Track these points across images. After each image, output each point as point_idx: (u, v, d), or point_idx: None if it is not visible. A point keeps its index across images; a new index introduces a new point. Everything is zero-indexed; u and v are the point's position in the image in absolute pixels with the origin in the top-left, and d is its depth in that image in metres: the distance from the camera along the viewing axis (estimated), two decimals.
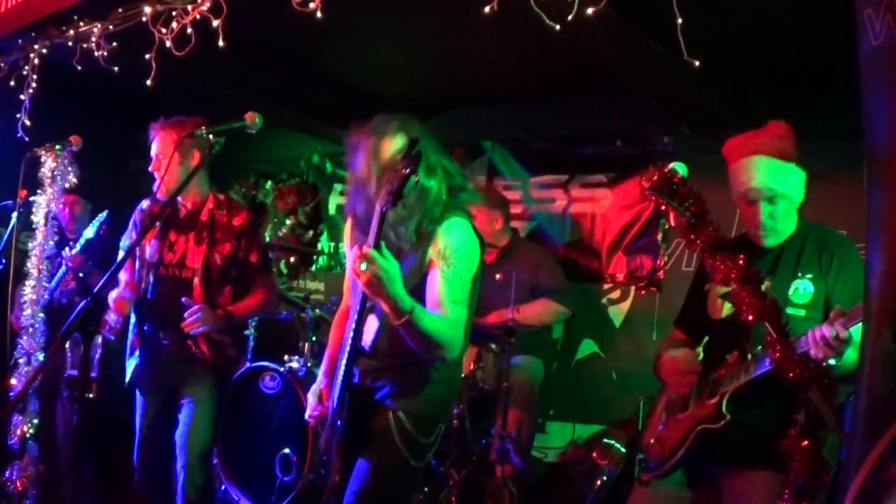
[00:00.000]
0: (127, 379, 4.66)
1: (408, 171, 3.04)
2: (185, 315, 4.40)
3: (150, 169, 4.64)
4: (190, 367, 4.64)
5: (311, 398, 3.69)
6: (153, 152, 4.62)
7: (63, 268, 5.48)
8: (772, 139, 3.59)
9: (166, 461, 4.64)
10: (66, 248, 5.33)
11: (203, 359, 4.63)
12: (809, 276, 3.45)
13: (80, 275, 5.55)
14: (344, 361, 3.31)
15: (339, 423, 3.39)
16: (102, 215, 5.57)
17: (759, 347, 3.39)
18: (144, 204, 4.80)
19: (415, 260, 3.35)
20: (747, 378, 3.37)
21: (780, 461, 3.33)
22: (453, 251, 3.32)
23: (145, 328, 4.66)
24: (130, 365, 4.67)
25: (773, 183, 3.43)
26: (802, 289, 3.40)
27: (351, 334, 3.29)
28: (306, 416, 3.71)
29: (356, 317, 3.29)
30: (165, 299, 4.60)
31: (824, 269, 3.49)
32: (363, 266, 2.99)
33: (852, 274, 3.51)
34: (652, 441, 3.80)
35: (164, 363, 4.65)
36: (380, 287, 3.02)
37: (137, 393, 4.71)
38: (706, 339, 3.79)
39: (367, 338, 3.44)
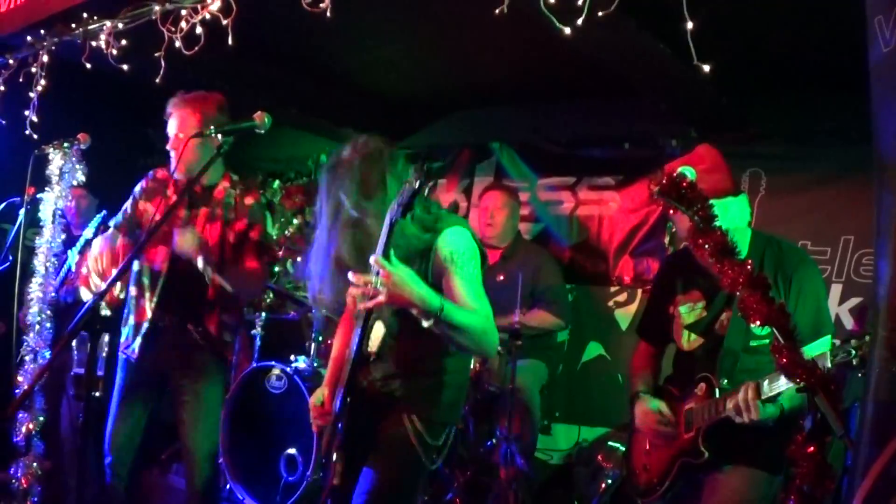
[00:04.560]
0: (136, 352, 4.61)
1: (418, 184, 3.07)
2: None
3: (168, 147, 4.60)
4: (190, 354, 4.64)
5: (312, 404, 3.71)
6: (172, 130, 4.56)
7: (67, 266, 5.51)
8: (701, 176, 3.45)
9: (134, 453, 4.68)
10: (69, 252, 5.35)
11: (204, 345, 4.62)
12: None
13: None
14: (349, 368, 3.33)
15: (339, 426, 3.41)
16: (100, 216, 5.60)
17: (725, 381, 3.51)
18: (159, 173, 4.79)
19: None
20: (718, 417, 3.52)
21: (762, 461, 3.47)
22: (459, 254, 3.35)
23: (154, 306, 4.63)
24: (136, 339, 4.64)
25: None
26: None
27: (356, 341, 3.31)
28: (311, 421, 3.74)
29: (362, 324, 3.31)
30: (175, 278, 4.60)
31: (783, 293, 3.53)
32: (378, 282, 3.01)
33: (812, 297, 3.59)
34: (639, 468, 3.95)
35: (161, 347, 4.63)
36: (402, 293, 3.05)
37: (122, 371, 4.71)
38: (673, 357, 4.00)
39: (374, 344, 3.46)
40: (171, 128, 4.57)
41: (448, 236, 3.39)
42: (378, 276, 3.03)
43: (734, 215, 3.62)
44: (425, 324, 3.15)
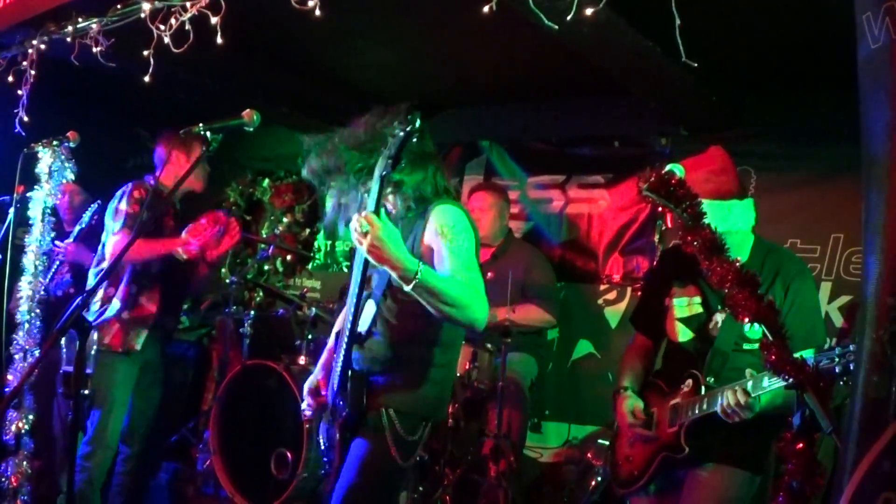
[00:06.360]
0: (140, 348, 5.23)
1: (404, 134, 3.06)
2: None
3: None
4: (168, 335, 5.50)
5: (306, 391, 3.72)
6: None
7: (57, 261, 5.52)
8: (709, 176, 3.58)
9: None
10: (60, 241, 5.37)
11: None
12: None
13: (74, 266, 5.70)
14: (343, 346, 3.32)
15: (341, 404, 3.41)
16: (95, 205, 5.62)
17: (712, 379, 3.52)
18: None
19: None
20: (701, 414, 3.54)
21: (743, 459, 3.50)
22: (451, 227, 3.33)
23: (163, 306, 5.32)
24: (143, 337, 5.26)
25: (717, 225, 3.23)
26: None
27: (350, 318, 3.30)
28: (302, 408, 3.74)
29: (354, 301, 3.30)
30: (174, 278, 5.34)
31: (779, 301, 3.52)
32: (363, 230, 3.00)
33: (807, 309, 3.62)
34: (622, 459, 3.97)
35: (160, 336, 5.41)
36: (382, 251, 3.04)
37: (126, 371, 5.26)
38: (664, 350, 4.04)
39: (364, 324, 3.44)
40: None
41: (440, 212, 3.38)
42: (366, 227, 3.03)
43: (738, 218, 3.63)
44: (406, 288, 3.12)
